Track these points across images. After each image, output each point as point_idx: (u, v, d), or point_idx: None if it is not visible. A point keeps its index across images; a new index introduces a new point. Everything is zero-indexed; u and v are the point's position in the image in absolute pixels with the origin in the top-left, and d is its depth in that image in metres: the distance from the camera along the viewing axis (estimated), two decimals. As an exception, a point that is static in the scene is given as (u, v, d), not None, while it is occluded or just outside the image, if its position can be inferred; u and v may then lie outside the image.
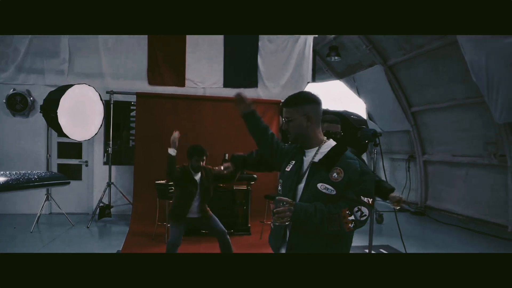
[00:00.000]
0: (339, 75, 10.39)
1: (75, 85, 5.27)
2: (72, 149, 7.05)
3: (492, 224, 6.60)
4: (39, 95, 6.65)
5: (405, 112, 8.41)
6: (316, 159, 1.87)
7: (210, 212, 4.11)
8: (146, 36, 7.03)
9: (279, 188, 1.99)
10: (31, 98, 6.78)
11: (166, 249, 3.92)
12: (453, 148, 7.61)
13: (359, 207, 1.75)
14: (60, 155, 7.00)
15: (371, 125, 9.18)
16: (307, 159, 1.92)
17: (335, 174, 1.79)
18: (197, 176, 4.03)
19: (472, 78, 5.90)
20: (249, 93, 7.39)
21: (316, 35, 7.94)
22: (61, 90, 5.15)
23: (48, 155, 6.20)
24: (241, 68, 7.45)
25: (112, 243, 5.39)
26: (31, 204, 6.41)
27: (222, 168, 2.77)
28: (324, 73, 10.89)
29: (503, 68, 5.29)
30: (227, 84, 7.39)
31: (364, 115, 6.26)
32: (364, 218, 1.76)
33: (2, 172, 1.97)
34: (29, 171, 2.41)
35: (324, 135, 2.11)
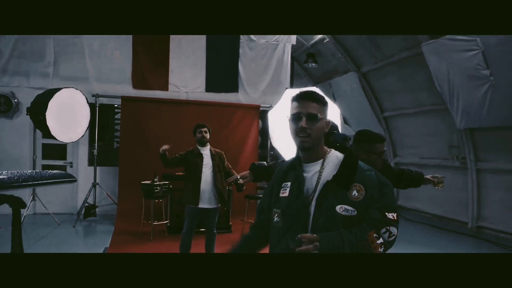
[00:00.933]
0: (316, 81, 10.85)
1: (63, 89, 5.44)
2: (57, 150, 7.19)
3: (455, 221, 7.16)
4: (24, 97, 6.81)
5: (377, 116, 8.91)
6: (327, 176, 1.57)
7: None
8: (130, 41, 7.25)
9: (276, 219, 1.62)
10: (16, 100, 6.90)
11: (181, 238, 4.27)
12: (421, 151, 8.15)
13: (387, 227, 1.52)
14: (44, 156, 7.13)
15: (347, 128, 9.69)
16: (309, 176, 1.61)
17: (355, 193, 1.54)
18: (204, 151, 4.31)
19: (436, 86, 6.43)
20: (230, 97, 7.75)
21: (294, 43, 8.34)
22: (50, 94, 5.32)
23: (35, 156, 6.33)
24: (222, 73, 7.76)
25: (98, 242, 5.58)
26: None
27: (238, 177, 2.62)
28: (302, 78, 11.33)
29: (463, 79, 5.82)
30: (209, 88, 7.69)
31: (338, 120, 6.66)
32: (393, 238, 1.53)
33: (18, 171, 2.28)
34: (42, 170, 2.71)
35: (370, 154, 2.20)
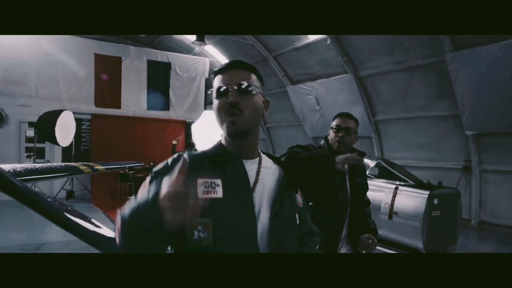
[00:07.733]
0: (220, 99, 14.71)
1: (64, 111, 8.22)
2: (36, 151, 9.63)
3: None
4: (11, 112, 9.22)
5: (262, 127, 13.14)
6: (272, 177, 1.17)
7: None
8: (93, 70, 10.06)
9: (200, 235, 1.01)
10: (5, 114, 9.22)
11: None
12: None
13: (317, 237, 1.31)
14: (27, 156, 9.55)
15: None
16: (251, 173, 1.13)
17: (298, 197, 1.23)
18: None
19: (296, 112, 10.84)
20: (163, 114, 11.14)
21: (207, 76, 12.07)
22: (56, 114, 8.07)
23: (34, 156, 8.80)
24: (158, 97, 11.08)
25: (83, 209, 8.47)
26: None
27: None
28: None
29: (308, 110, 10.29)
30: (149, 107, 10.95)
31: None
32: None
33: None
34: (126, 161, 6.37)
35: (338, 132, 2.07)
